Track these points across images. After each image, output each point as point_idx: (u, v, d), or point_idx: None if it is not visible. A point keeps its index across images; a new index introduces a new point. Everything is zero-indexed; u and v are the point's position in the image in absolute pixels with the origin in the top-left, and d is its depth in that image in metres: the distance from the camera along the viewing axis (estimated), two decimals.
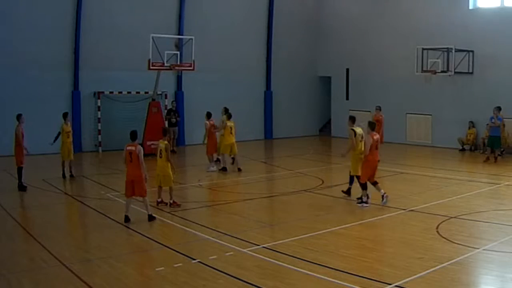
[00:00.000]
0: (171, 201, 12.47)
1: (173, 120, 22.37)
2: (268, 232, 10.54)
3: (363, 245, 9.47)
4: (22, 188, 14.29)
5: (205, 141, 17.44)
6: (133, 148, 11.10)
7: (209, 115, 17.28)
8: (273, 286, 7.60)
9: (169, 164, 12.19)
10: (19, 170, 14.40)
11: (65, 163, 16.30)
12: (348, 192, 13.44)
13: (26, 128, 14.49)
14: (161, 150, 12.12)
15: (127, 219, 11.10)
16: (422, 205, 12.31)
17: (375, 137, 12.47)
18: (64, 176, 16.19)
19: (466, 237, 9.82)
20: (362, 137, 13.09)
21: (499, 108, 18.83)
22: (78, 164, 19.55)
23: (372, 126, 12.69)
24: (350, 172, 13.36)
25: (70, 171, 16.32)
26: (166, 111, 22.94)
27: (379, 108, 19.92)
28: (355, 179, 13.09)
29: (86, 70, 21.73)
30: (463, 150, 21.80)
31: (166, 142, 12.25)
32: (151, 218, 11.26)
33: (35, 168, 16.66)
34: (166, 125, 22.03)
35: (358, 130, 13.22)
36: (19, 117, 14.52)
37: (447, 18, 22.54)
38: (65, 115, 16.57)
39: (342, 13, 27.44)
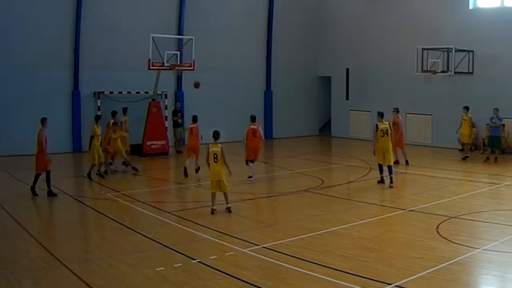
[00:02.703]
0: (228, 206, 11.99)
1: (179, 121, 22.25)
2: (268, 232, 10.52)
3: (363, 245, 9.45)
4: (51, 194, 13.52)
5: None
6: (195, 125, 16.21)
7: (253, 119, 16.35)
8: (273, 286, 7.60)
9: (225, 169, 11.80)
10: (47, 174, 13.55)
11: (93, 167, 15.95)
12: (382, 181, 14.91)
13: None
14: (216, 154, 11.66)
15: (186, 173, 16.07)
16: (422, 205, 12.30)
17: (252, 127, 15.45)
18: (89, 177, 15.87)
19: (466, 237, 9.82)
20: (384, 133, 14.52)
21: (497, 109, 18.83)
22: (79, 164, 19.64)
23: (253, 118, 15.81)
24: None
25: (106, 168, 16.65)
26: (171, 112, 22.81)
27: (396, 110, 18.69)
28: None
29: (86, 70, 21.73)
30: (463, 150, 21.77)
31: (220, 145, 11.74)
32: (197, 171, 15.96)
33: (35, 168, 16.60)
34: (172, 126, 21.95)
35: (382, 125, 14.60)
36: (43, 120, 13.62)
37: (447, 18, 22.53)
38: (97, 118, 16.65)
39: (342, 13, 27.44)
